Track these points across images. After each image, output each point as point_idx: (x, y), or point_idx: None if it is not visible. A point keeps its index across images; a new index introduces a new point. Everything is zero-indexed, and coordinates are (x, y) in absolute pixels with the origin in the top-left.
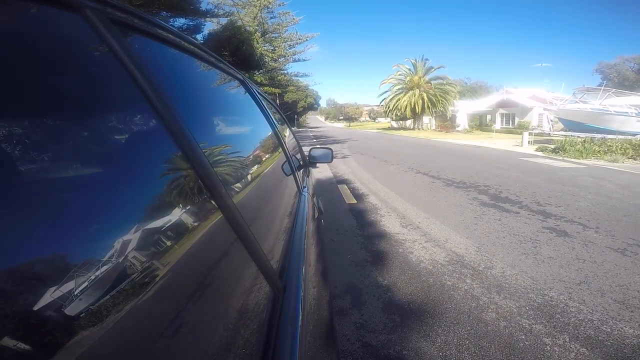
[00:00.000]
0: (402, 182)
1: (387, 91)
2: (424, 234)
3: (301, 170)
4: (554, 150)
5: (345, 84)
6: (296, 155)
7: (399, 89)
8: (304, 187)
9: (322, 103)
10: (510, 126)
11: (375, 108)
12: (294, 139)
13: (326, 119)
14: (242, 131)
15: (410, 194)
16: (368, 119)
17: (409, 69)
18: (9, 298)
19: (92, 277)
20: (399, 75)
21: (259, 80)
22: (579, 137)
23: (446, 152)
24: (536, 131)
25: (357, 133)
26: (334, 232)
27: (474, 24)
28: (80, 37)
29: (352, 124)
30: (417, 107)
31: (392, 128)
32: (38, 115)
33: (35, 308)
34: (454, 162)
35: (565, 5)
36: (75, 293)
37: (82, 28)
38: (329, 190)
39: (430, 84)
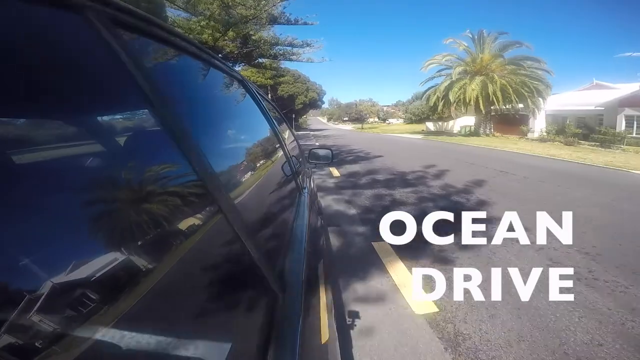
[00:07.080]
0: None
1: (433, 77)
2: None
3: (301, 171)
4: None
5: (348, 83)
6: (296, 157)
7: (461, 72)
8: (304, 187)
9: (324, 102)
10: None
11: (385, 108)
12: (293, 140)
13: (329, 119)
14: (242, 131)
15: None
16: (377, 120)
17: (467, 47)
18: (8, 298)
19: (94, 278)
20: (452, 56)
21: (220, 44)
22: None
23: None
24: None
25: (383, 139)
26: None
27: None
28: (82, 37)
29: (363, 125)
30: (495, 100)
31: (429, 132)
32: (39, 115)
33: (32, 309)
34: None
35: None
36: (78, 293)
37: (84, 29)
38: None
39: (507, 67)
